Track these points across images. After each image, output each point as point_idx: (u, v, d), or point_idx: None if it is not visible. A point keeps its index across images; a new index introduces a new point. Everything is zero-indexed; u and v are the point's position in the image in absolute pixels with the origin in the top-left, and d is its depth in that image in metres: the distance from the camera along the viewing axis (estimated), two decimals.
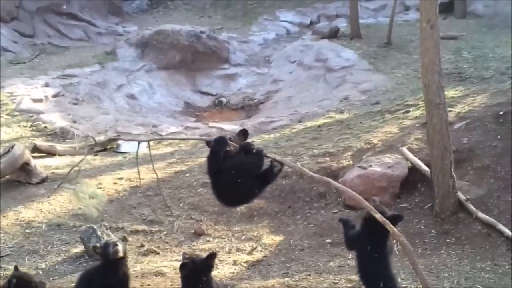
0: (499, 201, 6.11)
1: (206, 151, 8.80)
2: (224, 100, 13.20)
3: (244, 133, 4.32)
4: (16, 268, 4.26)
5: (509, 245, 5.52)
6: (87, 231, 5.81)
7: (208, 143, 4.22)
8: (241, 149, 4.06)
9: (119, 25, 17.33)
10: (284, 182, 6.91)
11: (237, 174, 3.95)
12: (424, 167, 6.48)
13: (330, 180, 4.29)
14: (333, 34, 14.93)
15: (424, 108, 8.19)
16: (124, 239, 4.55)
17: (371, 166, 6.65)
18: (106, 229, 6.00)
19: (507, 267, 5.26)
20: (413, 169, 6.59)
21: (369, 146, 7.28)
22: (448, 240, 5.69)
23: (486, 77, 11.03)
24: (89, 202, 5.37)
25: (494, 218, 5.84)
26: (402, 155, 6.81)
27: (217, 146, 4.06)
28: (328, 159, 7.17)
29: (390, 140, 7.30)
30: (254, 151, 4.02)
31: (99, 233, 5.81)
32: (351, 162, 7.02)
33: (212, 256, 4.04)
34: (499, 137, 6.75)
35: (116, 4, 18.15)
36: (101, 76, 12.81)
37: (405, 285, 4.85)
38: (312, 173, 4.37)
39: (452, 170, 5.91)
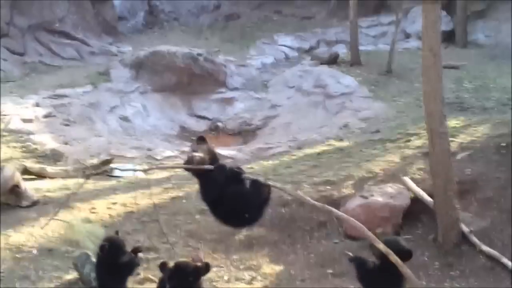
0: (503, 234, 6.27)
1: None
2: (220, 124, 13.37)
3: (201, 139, 4.46)
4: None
5: None
6: (80, 257, 5.86)
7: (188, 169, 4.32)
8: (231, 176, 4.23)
9: (113, 45, 17.56)
10: (283, 211, 7.04)
11: (240, 203, 4.13)
12: (427, 198, 6.64)
13: (332, 208, 4.43)
14: (333, 60, 15.24)
15: (426, 137, 8.45)
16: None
17: (373, 195, 6.80)
18: None
19: None
20: (416, 200, 6.75)
21: (370, 175, 7.45)
22: (452, 273, 5.82)
23: (488, 108, 11.32)
24: (85, 234, 5.51)
25: (497, 251, 5.99)
26: (404, 185, 6.97)
27: (218, 174, 4.20)
28: (329, 187, 7.32)
29: (391, 170, 7.48)
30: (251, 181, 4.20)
31: (93, 259, 5.87)
32: (352, 191, 7.17)
33: (206, 265, 4.20)
34: (502, 168, 6.94)
35: (110, 23, 18.43)
36: (94, 97, 12.95)
37: None
38: (313, 202, 4.52)
39: (455, 201, 6.08)
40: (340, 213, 4.53)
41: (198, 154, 4.24)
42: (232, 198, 4.16)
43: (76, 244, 6.37)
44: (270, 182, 4.26)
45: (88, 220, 7.04)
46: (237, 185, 4.21)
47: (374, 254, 4.30)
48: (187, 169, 4.38)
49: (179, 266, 4.17)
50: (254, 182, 4.23)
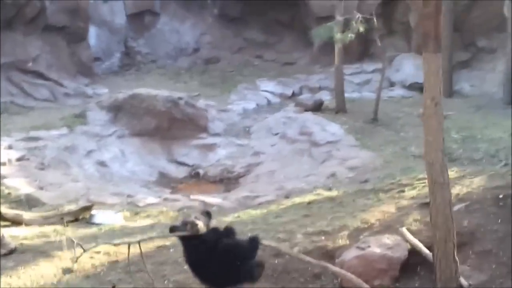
0: None
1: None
2: (201, 171, 13.44)
3: (207, 214, 4.85)
4: None
5: None
6: None
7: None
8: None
9: (89, 86, 17.70)
10: (276, 262, 7.05)
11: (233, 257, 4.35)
12: (425, 250, 6.77)
13: (328, 264, 4.54)
14: (317, 107, 15.63)
15: (419, 187, 8.69)
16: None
17: (369, 246, 6.89)
18: None
19: None
20: (413, 252, 6.88)
21: (366, 226, 7.57)
22: None
23: (476, 159, 11.70)
24: None
25: None
26: (401, 236, 7.11)
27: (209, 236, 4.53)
28: (323, 237, 7.40)
29: (387, 220, 7.61)
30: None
31: None
32: (347, 241, 7.25)
33: None
34: (499, 220, 7.14)
35: (85, 64, 18.60)
36: (70, 140, 12.96)
37: None
38: (309, 258, 4.65)
39: (455, 253, 6.22)
40: (336, 268, 4.65)
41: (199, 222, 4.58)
42: (224, 250, 4.37)
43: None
44: (265, 242, 4.44)
45: (70, 270, 6.97)
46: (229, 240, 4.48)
47: None
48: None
49: None
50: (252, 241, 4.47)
